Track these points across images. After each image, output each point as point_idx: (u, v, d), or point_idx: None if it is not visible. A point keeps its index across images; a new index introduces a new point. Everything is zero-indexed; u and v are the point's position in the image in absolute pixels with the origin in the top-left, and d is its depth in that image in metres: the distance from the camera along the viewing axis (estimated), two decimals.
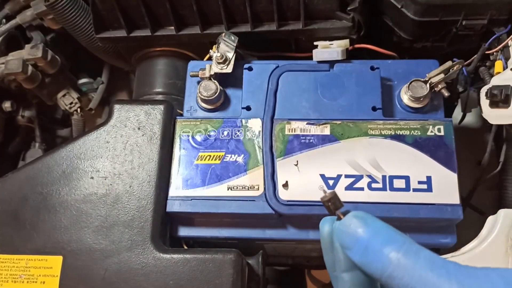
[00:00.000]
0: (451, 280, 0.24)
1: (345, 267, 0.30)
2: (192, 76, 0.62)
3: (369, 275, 0.27)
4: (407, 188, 0.54)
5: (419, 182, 0.54)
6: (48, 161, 0.58)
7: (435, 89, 0.57)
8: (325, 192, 0.30)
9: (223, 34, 0.61)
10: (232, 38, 0.61)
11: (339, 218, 0.29)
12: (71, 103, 0.82)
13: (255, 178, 0.56)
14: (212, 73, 0.60)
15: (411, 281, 0.25)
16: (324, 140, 0.56)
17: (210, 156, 0.57)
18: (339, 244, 0.29)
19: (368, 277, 0.29)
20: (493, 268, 0.25)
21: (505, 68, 0.60)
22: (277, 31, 0.63)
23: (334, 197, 0.29)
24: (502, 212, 0.53)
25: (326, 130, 0.57)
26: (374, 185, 0.54)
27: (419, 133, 0.56)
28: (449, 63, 0.57)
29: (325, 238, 0.31)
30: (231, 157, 0.57)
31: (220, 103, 0.61)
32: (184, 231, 0.58)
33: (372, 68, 0.60)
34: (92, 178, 0.56)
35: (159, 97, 0.70)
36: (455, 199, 0.53)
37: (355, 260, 0.28)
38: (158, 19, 0.65)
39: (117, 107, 0.59)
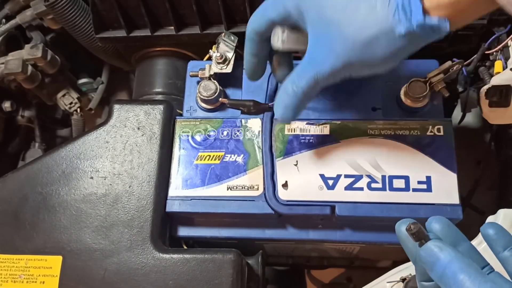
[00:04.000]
0: None
1: (424, 278, 0.37)
2: (191, 76, 0.62)
3: None
4: (406, 188, 0.54)
5: (419, 182, 0.54)
6: (48, 161, 0.58)
7: (435, 89, 0.57)
8: (411, 224, 0.35)
9: (223, 34, 0.61)
10: (232, 38, 0.61)
11: (421, 245, 0.35)
12: (71, 103, 0.82)
13: (254, 178, 0.56)
14: (211, 73, 0.60)
15: None
16: (323, 140, 0.56)
17: (209, 156, 0.57)
18: (423, 266, 0.35)
19: None
20: None
21: (504, 68, 0.60)
22: None
23: (419, 229, 0.35)
24: (501, 212, 0.53)
25: (326, 130, 0.57)
26: (373, 185, 0.54)
27: (418, 133, 0.56)
28: (448, 63, 0.57)
29: (402, 237, 0.38)
30: (230, 157, 0.57)
31: (219, 103, 0.61)
32: (183, 231, 0.58)
33: None
34: (91, 178, 0.56)
35: (159, 97, 0.70)
36: (455, 199, 0.53)
37: (435, 279, 0.34)
38: (158, 19, 0.66)
39: (116, 107, 0.59)
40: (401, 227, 0.37)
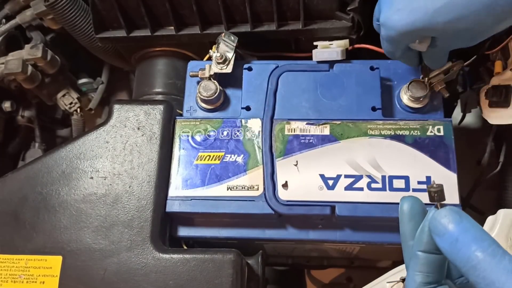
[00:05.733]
0: None
1: (424, 248, 0.34)
2: (191, 76, 0.62)
3: (451, 262, 0.32)
4: (406, 188, 0.54)
5: (419, 182, 0.54)
6: (48, 161, 0.58)
7: (435, 89, 0.57)
8: (434, 182, 0.35)
9: (223, 34, 0.61)
10: (232, 38, 0.61)
11: (436, 207, 0.34)
12: (71, 103, 0.82)
13: (254, 178, 0.56)
14: (211, 73, 0.60)
15: (492, 276, 0.28)
16: (323, 140, 0.56)
17: (209, 156, 0.57)
18: (430, 229, 0.33)
19: (439, 262, 0.34)
20: None
21: (504, 68, 0.60)
22: (277, 31, 0.63)
23: (441, 190, 0.34)
24: (501, 212, 0.53)
25: (326, 130, 0.57)
26: (373, 185, 0.54)
27: (418, 133, 0.56)
28: (449, 63, 0.57)
29: (404, 211, 0.37)
30: (230, 157, 0.57)
31: (219, 103, 0.61)
32: (183, 231, 0.58)
33: (372, 68, 0.60)
34: (91, 178, 0.56)
35: (159, 97, 0.70)
36: (455, 199, 0.53)
37: (442, 247, 0.32)
38: (158, 19, 0.66)
39: (116, 107, 0.59)
40: (406, 201, 0.37)
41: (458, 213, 0.32)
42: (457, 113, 0.71)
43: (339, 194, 0.54)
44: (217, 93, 0.59)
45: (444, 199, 0.34)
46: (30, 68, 0.74)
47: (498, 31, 0.46)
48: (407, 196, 0.38)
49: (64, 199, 0.56)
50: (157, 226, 0.54)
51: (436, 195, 0.34)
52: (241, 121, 0.58)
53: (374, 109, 0.58)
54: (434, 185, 0.34)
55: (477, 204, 0.67)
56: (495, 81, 0.59)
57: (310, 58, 0.61)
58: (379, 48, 0.62)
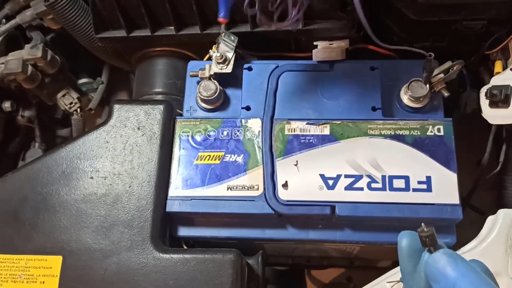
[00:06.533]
0: None
1: None
2: (191, 76, 0.62)
3: None
4: (406, 188, 0.54)
5: (419, 182, 0.54)
6: (48, 161, 0.58)
7: (435, 89, 0.57)
8: (424, 226, 0.33)
9: (223, 34, 0.61)
10: (232, 38, 0.61)
11: (430, 251, 0.32)
12: (71, 103, 0.82)
13: (254, 178, 0.56)
14: (211, 73, 0.60)
15: None
16: (323, 140, 0.56)
17: (209, 156, 0.57)
18: (426, 275, 0.32)
19: None
20: None
21: (504, 68, 0.60)
22: (277, 31, 0.63)
23: (433, 234, 0.33)
24: (501, 212, 0.53)
25: (326, 130, 0.57)
26: (373, 185, 0.54)
27: (418, 133, 0.56)
28: (449, 63, 0.57)
29: (403, 249, 0.35)
30: (230, 157, 0.57)
31: (219, 103, 0.61)
32: (184, 231, 0.58)
33: (372, 68, 0.60)
34: (91, 178, 0.56)
35: (159, 97, 0.70)
36: (455, 199, 0.53)
37: None
38: (158, 19, 0.65)
39: (117, 107, 0.59)
40: (404, 238, 0.35)
41: (452, 257, 0.31)
42: (457, 113, 0.70)
43: (339, 194, 0.54)
44: (217, 93, 0.59)
45: (436, 243, 0.33)
46: (30, 68, 0.74)
47: None
48: (406, 232, 0.36)
49: (64, 199, 0.56)
50: (157, 226, 0.54)
51: (427, 239, 0.33)
52: (241, 121, 0.58)
53: (374, 109, 0.58)
54: (425, 229, 0.33)
55: (477, 204, 0.67)
56: (495, 81, 0.59)
57: (310, 58, 0.61)
58: (379, 48, 0.62)
